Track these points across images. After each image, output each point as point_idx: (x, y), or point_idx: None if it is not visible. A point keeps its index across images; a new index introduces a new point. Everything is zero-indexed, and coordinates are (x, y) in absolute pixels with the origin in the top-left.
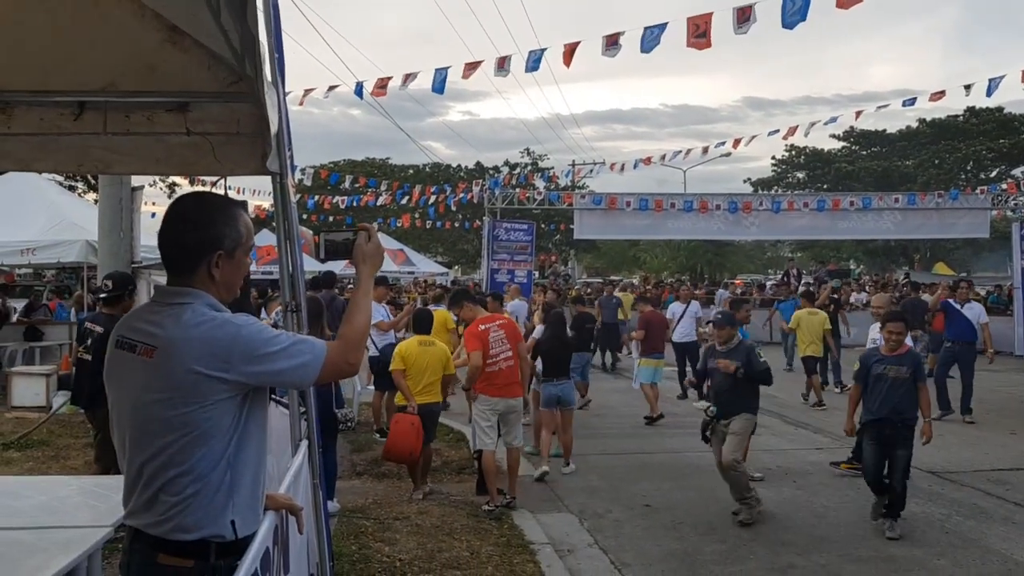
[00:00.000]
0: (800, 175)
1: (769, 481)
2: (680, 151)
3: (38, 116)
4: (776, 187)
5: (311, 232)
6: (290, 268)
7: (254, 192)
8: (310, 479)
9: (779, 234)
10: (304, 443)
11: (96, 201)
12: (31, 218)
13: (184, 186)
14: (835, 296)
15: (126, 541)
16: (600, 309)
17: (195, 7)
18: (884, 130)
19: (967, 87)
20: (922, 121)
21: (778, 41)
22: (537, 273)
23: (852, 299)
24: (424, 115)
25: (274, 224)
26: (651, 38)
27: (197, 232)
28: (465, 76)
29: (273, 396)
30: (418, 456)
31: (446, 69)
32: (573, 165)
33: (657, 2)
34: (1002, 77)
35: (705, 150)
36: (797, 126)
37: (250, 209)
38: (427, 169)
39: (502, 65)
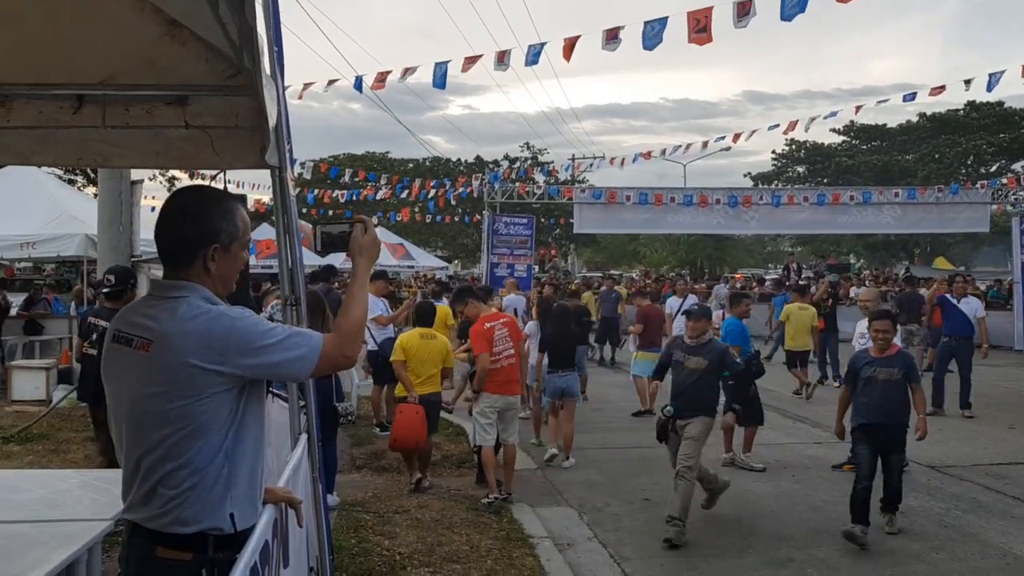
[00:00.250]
0: (800, 169)
1: (767, 475)
2: (680, 145)
3: (37, 109)
4: (776, 181)
5: (310, 226)
6: (289, 262)
7: (254, 186)
8: (309, 472)
9: (779, 228)
10: (303, 436)
11: (96, 195)
12: (31, 212)
13: (184, 180)
14: (832, 291)
15: (125, 535)
16: (600, 303)
17: (193, 0)
18: (884, 124)
19: (967, 82)
20: (922, 115)
21: (778, 35)
22: (537, 267)
23: (852, 294)
24: (424, 109)
25: (273, 218)
26: (652, 34)
27: (193, 225)
28: (464, 70)
29: (273, 390)
30: (424, 444)
31: (446, 63)
32: (573, 159)
33: None
34: (1002, 72)
35: (705, 144)
36: (797, 120)
37: (250, 203)
38: (427, 163)
39: (502, 59)
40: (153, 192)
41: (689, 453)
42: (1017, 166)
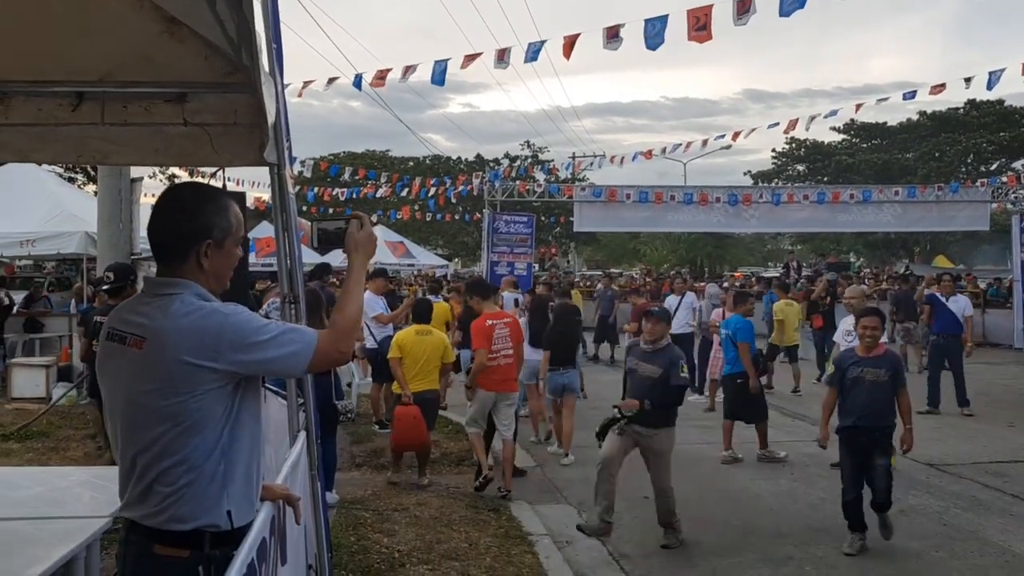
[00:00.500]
0: (800, 168)
1: (766, 473)
2: (680, 144)
3: (36, 107)
4: (776, 180)
5: (309, 223)
6: (289, 260)
7: (253, 184)
8: (308, 470)
9: (779, 227)
10: (302, 434)
11: (95, 192)
12: (30, 209)
13: (183, 177)
14: (831, 289)
15: (122, 532)
16: (598, 302)
17: None
18: (884, 123)
19: (967, 80)
20: (922, 114)
21: (779, 33)
22: (537, 266)
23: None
24: (424, 107)
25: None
26: (654, 33)
27: (187, 221)
28: (464, 67)
29: (272, 388)
30: (427, 442)
31: (446, 61)
32: (573, 157)
33: None
34: (1003, 70)
35: (705, 143)
36: (797, 119)
37: (249, 201)
38: (427, 161)
39: (502, 57)
40: (153, 190)
41: (664, 469)
42: (1017, 164)
